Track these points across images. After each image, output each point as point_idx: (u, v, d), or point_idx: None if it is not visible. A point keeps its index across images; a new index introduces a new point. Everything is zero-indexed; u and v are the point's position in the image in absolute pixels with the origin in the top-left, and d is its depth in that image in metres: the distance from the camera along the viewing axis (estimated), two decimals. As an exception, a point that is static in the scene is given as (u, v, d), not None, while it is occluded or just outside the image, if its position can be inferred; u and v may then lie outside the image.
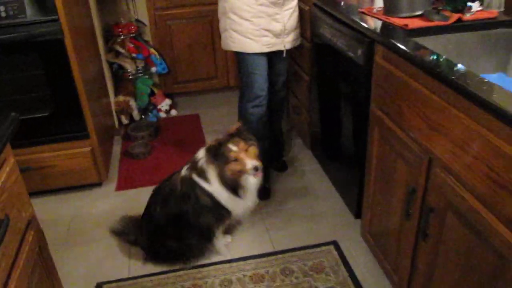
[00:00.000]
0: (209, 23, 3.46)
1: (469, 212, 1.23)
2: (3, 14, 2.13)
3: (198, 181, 1.98)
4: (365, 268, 2.03)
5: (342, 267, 2.03)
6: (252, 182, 1.97)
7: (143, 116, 3.39)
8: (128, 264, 2.13)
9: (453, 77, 1.23)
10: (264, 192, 2.48)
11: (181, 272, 2.06)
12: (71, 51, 2.27)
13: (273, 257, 2.12)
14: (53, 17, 2.17)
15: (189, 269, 2.08)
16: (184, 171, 2.05)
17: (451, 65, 1.34)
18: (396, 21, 1.74)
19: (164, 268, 2.09)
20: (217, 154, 1.91)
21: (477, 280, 1.25)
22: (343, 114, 2.22)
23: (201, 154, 2.02)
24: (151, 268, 2.11)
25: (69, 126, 2.44)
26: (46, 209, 2.49)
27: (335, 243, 2.17)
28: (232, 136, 1.93)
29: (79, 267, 2.12)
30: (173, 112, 3.54)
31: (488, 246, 1.17)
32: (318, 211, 2.41)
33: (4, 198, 1.05)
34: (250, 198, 2.02)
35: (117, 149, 3.11)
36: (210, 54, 3.58)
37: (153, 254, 2.14)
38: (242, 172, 1.90)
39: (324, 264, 2.06)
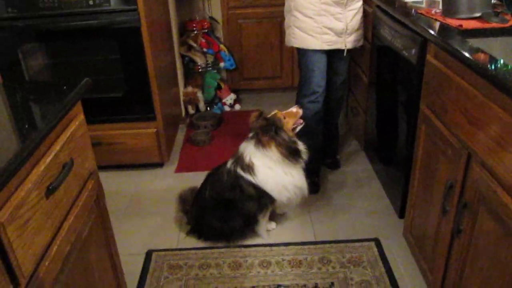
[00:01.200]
0: (278, 24, 3.58)
1: (500, 206, 1.23)
2: (91, 2, 2.39)
3: (243, 175, 2.12)
4: (403, 267, 2.04)
5: (380, 263, 2.05)
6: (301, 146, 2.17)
7: (208, 108, 3.58)
8: (178, 238, 2.29)
9: (493, 72, 1.25)
10: (313, 186, 2.55)
11: (223, 250, 2.19)
12: (146, 39, 2.49)
13: (313, 246, 2.19)
14: (133, 7, 2.40)
15: (232, 247, 2.20)
16: (229, 165, 2.19)
17: (493, 61, 1.35)
18: (452, 22, 1.76)
19: (208, 245, 2.23)
20: (269, 129, 2.09)
21: (505, 275, 1.25)
22: (395, 114, 2.24)
23: (246, 149, 2.15)
24: (198, 243, 2.25)
25: (138, 108, 2.67)
26: (110, 182, 2.73)
27: (376, 240, 2.19)
28: (259, 117, 2.16)
29: (134, 235, 2.32)
30: (237, 107, 3.71)
31: (515, 240, 1.17)
32: (364, 209, 2.44)
33: (71, 146, 1.23)
34: (295, 178, 2.14)
35: (180, 136, 3.32)
36: (277, 54, 3.71)
37: (198, 231, 2.29)
38: (295, 125, 2.19)
39: (362, 258, 2.09)
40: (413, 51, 1.88)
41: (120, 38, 2.48)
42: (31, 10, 2.38)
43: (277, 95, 3.89)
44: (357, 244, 2.18)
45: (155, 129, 2.72)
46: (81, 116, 1.34)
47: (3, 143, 1.00)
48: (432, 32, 1.70)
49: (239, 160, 2.15)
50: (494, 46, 1.60)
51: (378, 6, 2.36)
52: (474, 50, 1.44)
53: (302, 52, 2.43)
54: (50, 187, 1.07)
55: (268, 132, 2.10)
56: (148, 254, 2.18)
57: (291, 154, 2.11)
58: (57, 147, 1.14)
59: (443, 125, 1.59)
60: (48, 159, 1.09)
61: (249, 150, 2.14)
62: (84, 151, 1.32)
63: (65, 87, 1.27)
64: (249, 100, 3.85)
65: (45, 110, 1.17)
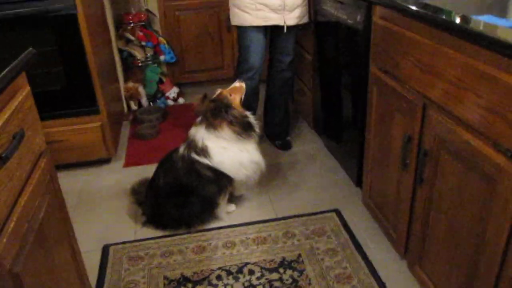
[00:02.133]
0: (217, 15, 3.56)
1: (460, 144, 1.28)
2: (20, -11, 2.23)
3: (198, 159, 2.07)
4: (365, 232, 2.07)
5: (343, 231, 2.08)
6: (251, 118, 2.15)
7: (151, 103, 3.48)
8: (134, 231, 2.19)
9: (443, 17, 1.30)
10: (286, 145, 2.81)
11: (185, 236, 2.12)
12: (84, 27, 2.37)
13: (275, 222, 2.17)
14: (68, -8, 2.28)
15: (193, 233, 2.13)
16: (182, 150, 2.13)
17: (438, 9, 1.40)
18: (394, -14, 1.82)
19: (167, 234, 2.15)
20: (219, 110, 2.05)
21: (469, 213, 1.29)
22: (344, 86, 2.29)
23: (197, 133, 2.10)
24: (156, 233, 2.16)
25: (80, 101, 2.53)
26: (56, 182, 2.56)
27: (336, 211, 2.22)
28: (204, 100, 2.12)
29: (87, 232, 2.18)
30: (181, 100, 3.63)
31: (478, 174, 1.22)
32: (321, 184, 2.46)
33: (20, 117, 1.13)
34: (251, 154, 2.12)
35: (125, 132, 3.19)
36: (217, 45, 3.68)
37: (155, 221, 2.20)
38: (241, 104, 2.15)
39: (325, 228, 2.11)
40: (359, 17, 1.92)
41: (56, 27, 2.34)
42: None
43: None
44: (318, 216, 2.19)
45: (100, 123, 2.59)
46: (28, 88, 1.24)
47: None
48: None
49: (191, 144, 2.09)
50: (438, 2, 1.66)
51: (317, -19, 2.41)
52: (421, 4, 1.49)
53: (240, 29, 2.50)
54: (3, 155, 0.97)
55: (218, 113, 2.06)
56: (105, 249, 2.06)
57: (244, 129, 2.08)
58: (5, 115, 1.04)
59: (395, 82, 1.64)
60: (-1, 124, 0.99)
61: (201, 134, 2.09)
62: (33, 125, 1.22)
63: (7, 57, 1.17)
64: (192, 93, 3.78)
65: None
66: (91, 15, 2.58)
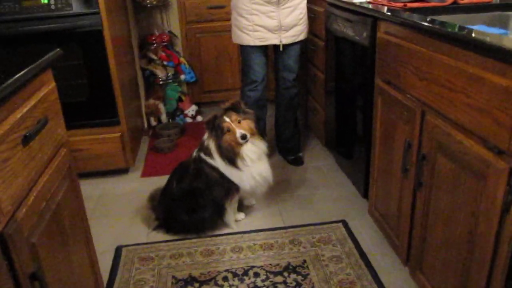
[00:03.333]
0: (235, 38, 3.72)
1: (454, 145, 1.34)
2: (53, 7, 2.42)
3: (205, 158, 2.17)
4: (370, 241, 2.11)
5: (349, 240, 2.12)
6: (249, 152, 2.13)
7: (170, 120, 3.61)
8: (147, 235, 2.27)
9: (438, 28, 1.40)
10: (297, 160, 2.88)
11: (195, 240, 2.19)
12: (109, 42, 2.54)
13: (283, 230, 2.23)
14: (95, 10, 2.45)
15: (203, 237, 2.20)
16: (195, 153, 2.24)
17: (433, 20, 1.50)
18: (397, 4, 1.93)
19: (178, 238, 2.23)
20: (214, 127, 2.12)
21: (463, 212, 1.34)
22: (354, 102, 2.37)
23: (205, 134, 2.22)
24: (167, 237, 2.24)
25: (102, 113, 2.68)
26: (76, 188, 2.68)
27: (343, 221, 2.26)
28: (227, 110, 2.13)
29: (102, 235, 2.27)
30: (199, 118, 3.76)
31: (470, 172, 1.28)
32: (330, 197, 2.52)
33: (45, 106, 1.25)
34: (254, 169, 2.16)
35: (144, 146, 3.32)
36: (235, 66, 3.82)
37: (167, 225, 2.28)
38: (235, 142, 2.09)
39: (331, 237, 2.15)
40: (365, 33, 2.02)
41: (83, 42, 2.51)
42: (-9, 15, 2.39)
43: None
44: (325, 226, 2.25)
45: (120, 133, 2.73)
46: (53, 84, 1.37)
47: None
48: (382, 11, 1.85)
49: (202, 145, 2.21)
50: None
51: (330, 3, 2.53)
52: (420, 17, 1.59)
53: (241, 48, 2.69)
54: (27, 134, 1.09)
55: (207, 128, 2.17)
56: (118, 250, 2.15)
57: (227, 158, 2.13)
58: (32, 102, 1.17)
59: (397, 91, 1.72)
60: (25, 109, 1.12)
61: (206, 136, 2.22)
62: (56, 116, 1.34)
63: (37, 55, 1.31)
64: (210, 112, 3.90)
65: (22, 68, 1.18)
66: (116, 33, 2.75)
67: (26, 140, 1.09)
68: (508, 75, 1.10)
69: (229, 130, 2.10)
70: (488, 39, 1.19)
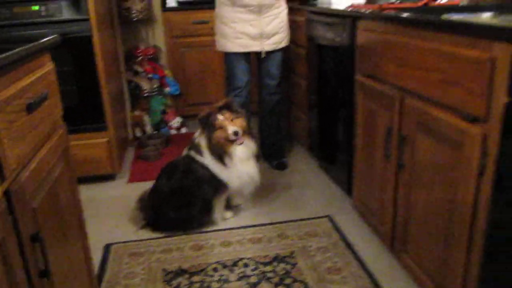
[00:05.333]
0: (218, 52, 3.82)
1: (432, 121, 1.44)
2: (44, 13, 2.49)
3: (194, 156, 2.23)
4: (355, 233, 2.17)
5: (335, 233, 2.18)
6: (238, 151, 2.20)
7: (155, 131, 3.66)
8: (135, 233, 2.28)
9: (413, 15, 1.52)
10: (280, 165, 2.95)
11: (184, 236, 2.22)
12: (98, 48, 2.60)
13: (271, 226, 2.28)
14: (85, 17, 2.53)
15: (191, 234, 2.23)
16: (185, 151, 2.30)
17: (409, 10, 1.62)
18: (374, 6, 2.07)
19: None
20: (207, 123, 2.19)
21: (442, 183, 1.43)
22: (336, 105, 2.47)
23: (196, 133, 2.28)
24: (154, 235, 2.26)
25: (90, 118, 2.72)
26: (62, 193, 2.69)
27: (329, 217, 2.33)
28: (220, 109, 2.21)
29: (90, 234, 2.27)
30: (183, 130, 3.82)
31: (448, 143, 1.37)
32: (315, 197, 2.58)
33: (46, 83, 1.31)
34: (242, 168, 2.22)
35: (130, 156, 3.35)
36: (219, 80, 3.91)
37: (154, 223, 2.31)
38: (226, 139, 2.15)
39: (318, 231, 2.21)
40: (344, 34, 2.15)
41: (72, 48, 2.57)
42: (-17, 21, 2.44)
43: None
44: (311, 221, 2.31)
45: (107, 139, 2.77)
46: (52, 66, 1.43)
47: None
48: (361, 11, 1.98)
49: (192, 143, 2.26)
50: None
51: (310, 11, 2.67)
52: (396, 13, 1.72)
53: (225, 55, 2.79)
54: (31, 102, 1.14)
55: (200, 124, 2.24)
56: (107, 247, 2.16)
57: (216, 155, 2.19)
58: (35, 75, 1.23)
59: (377, 82, 1.83)
60: (28, 80, 1.17)
61: (198, 133, 2.29)
62: (55, 96, 1.40)
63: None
64: (195, 125, 3.95)
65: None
66: (105, 41, 2.83)
67: (30, 107, 1.14)
68: (477, 47, 1.21)
69: (221, 127, 2.17)
70: (459, 18, 1.31)
